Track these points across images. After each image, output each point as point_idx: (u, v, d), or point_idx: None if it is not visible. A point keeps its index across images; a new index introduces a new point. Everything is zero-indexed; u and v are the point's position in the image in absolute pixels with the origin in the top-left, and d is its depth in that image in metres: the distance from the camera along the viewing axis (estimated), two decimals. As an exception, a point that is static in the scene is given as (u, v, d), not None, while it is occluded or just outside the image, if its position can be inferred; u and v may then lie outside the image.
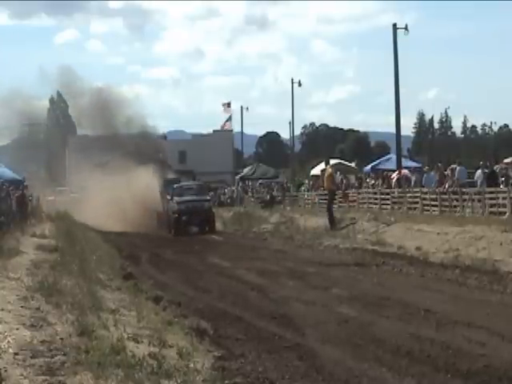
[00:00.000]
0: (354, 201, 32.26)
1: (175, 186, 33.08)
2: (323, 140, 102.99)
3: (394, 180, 31.76)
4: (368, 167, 41.39)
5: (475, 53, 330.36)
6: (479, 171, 24.71)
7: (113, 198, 32.61)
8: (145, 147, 37.46)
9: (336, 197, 28.77)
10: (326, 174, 26.84)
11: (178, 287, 13.65)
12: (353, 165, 46.42)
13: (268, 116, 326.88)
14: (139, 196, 33.08)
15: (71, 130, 52.36)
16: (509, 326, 8.89)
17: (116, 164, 35.24)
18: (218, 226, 32.20)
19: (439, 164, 30.05)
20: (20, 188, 25.50)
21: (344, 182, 36.83)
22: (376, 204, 30.06)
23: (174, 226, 30.69)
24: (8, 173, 28.43)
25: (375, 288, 12.65)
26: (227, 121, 72.14)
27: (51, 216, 29.25)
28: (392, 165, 35.41)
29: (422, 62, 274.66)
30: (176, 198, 31.59)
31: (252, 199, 45.66)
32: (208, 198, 34.07)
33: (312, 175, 46.16)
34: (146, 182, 33.90)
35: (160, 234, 30.85)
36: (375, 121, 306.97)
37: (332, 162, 44.65)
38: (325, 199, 28.06)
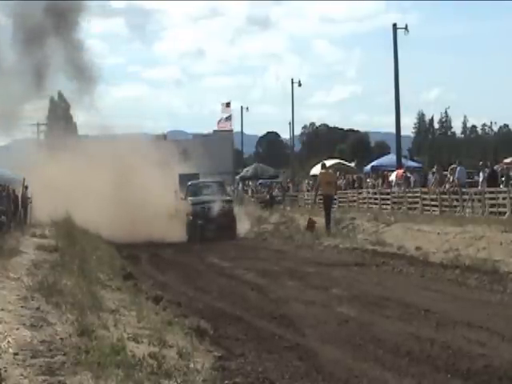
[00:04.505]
0: (354, 201, 32.33)
1: (190, 183, 28.66)
2: (323, 140, 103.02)
3: (393, 180, 31.83)
4: (368, 167, 41.41)
5: (475, 53, 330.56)
6: (481, 173, 24.78)
7: (114, 200, 27.22)
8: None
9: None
10: (327, 178, 24.83)
11: (177, 287, 13.65)
12: (352, 165, 46.46)
13: (268, 116, 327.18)
14: (148, 197, 27.28)
15: (72, 130, 52.34)
16: (509, 326, 8.89)
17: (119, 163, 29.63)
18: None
19: (435, 167, 30.07)
20: (20, 188, 25.48)
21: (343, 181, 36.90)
22: (376, 204, 30.11)
23: (188, 231, 26.27)
24: (8, 173, 28.40)
25: (375, 288, 12.64)
26: (227, 120, 72.21)
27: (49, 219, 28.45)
28: (392, 166, 35.46)
29: (422, 61, 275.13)
30: (191, 198, 27.15)
31: (252, 199, 45.68)
32: (229, 198, 28.85)
33: (312, 175, 46.17)
34: (157, 181, 28.57)
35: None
36: (375, 121, 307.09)
37: (332, 162, 44.80)
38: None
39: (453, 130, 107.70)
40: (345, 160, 49.37)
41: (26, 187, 25.66)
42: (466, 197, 23.24)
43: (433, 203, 25.19)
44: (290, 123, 58.42)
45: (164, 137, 59.80)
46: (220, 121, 72.82)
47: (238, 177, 60.13)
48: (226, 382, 6.35)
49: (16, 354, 5.94)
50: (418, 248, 17.95)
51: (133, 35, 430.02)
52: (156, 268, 17.30)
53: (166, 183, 28.97)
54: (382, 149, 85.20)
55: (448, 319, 9.42)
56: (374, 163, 41.66)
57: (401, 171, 31.56)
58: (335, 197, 32.50)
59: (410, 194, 27.68)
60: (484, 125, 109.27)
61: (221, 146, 69.61)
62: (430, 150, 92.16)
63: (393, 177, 31.99)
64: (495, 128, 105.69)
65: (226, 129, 73.95)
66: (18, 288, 9.50)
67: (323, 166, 26.61)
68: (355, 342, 8.33)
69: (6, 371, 5.44)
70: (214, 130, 76.38)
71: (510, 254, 15.16)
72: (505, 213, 20.56)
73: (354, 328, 9.12)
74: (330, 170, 27.32)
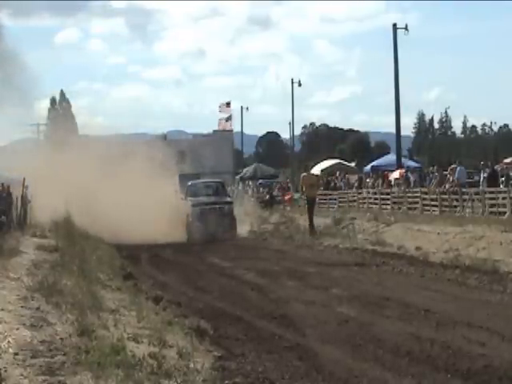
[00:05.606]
0: (354, 201, 32.32)
1: (190, 183, 28.33)
2: (323, 140, 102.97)
3: (393, 180, 31.83)
4: (368, 167, 41.37)
5: (475, 53, 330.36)
6: (482, 173, 24.81)
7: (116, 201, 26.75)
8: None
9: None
10: (309, 181, 25.68)
11: (178, 287, 13.65)
12: (352, 165, 46.43)
13: (268, 116, 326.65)
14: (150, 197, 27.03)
15: (73, 130, 52.29)
16: (509, 326, 8.89)
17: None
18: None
19: (431, 168, 30.20)
20: (20, 188, 25.46)
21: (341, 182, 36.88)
22: (376, 204, 30.08)
23: (188, 232, 26.00)
24: (8, 173, 28.38)
25: (375, 288, 12.65)
26: (227, 120, 72.18)
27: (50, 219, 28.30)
28: (392, 166, 35.42)
29: (422, 61, 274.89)
30: (191, 199, 26.81)
31: (252, 199, 45.65)
32: (229, 199, 28.22)
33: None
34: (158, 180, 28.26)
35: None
36: (375, 121, 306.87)
37: (332, 162, 44.85)
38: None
39: (453, 129, 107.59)
40: (345, 160, 49.34)
41: (27, 187, 25.64)
42: (466, 197, 23.22)
43: (433, 203, 25.17)
44: (289, 123, 58.36)
45: (164, 137, 59.83)
46: (225, 122, 72.72)
47: (237, 177, 60.07)
48: (226, 382, 6.36)
49: (16, 354, 5.95)
50: (418, 248, 17.95)
51: (133, 35, 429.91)
52: (156, 268, 17.29)
53: (166, 183, 28.77)
54: (382, 149, 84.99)
55: (448, 319, 9.43)
56: (373, 163, 41.57)
57: (402, 171, 31.56)
58: (335, 197, 32.83)
59: (409, 194, 27.66)
60: (484, 125, 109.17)
61: (221, 145, 69.62)
62: (429, 149, 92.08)
63: (395, 175, 31.96)
64: (495, 128, 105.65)
65: (226, 129, 73.90)
66: (18, 288, 9.51)
67: (306, 169, 27.15)
68: (355, 341, 8.33)
69: (6, 371, 5.45)
70: (214, 130, 76.29)
71: (510, 253, 15.17)
72: (505, 213, 20.54)
73: (354, 328, 9.13)
74: (313, 174, 27.92)
